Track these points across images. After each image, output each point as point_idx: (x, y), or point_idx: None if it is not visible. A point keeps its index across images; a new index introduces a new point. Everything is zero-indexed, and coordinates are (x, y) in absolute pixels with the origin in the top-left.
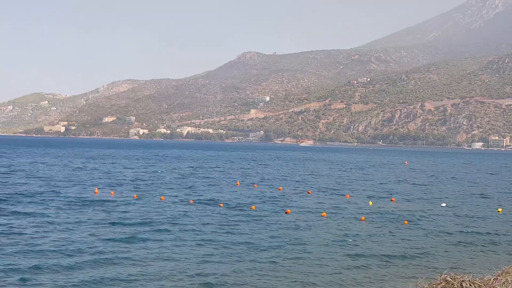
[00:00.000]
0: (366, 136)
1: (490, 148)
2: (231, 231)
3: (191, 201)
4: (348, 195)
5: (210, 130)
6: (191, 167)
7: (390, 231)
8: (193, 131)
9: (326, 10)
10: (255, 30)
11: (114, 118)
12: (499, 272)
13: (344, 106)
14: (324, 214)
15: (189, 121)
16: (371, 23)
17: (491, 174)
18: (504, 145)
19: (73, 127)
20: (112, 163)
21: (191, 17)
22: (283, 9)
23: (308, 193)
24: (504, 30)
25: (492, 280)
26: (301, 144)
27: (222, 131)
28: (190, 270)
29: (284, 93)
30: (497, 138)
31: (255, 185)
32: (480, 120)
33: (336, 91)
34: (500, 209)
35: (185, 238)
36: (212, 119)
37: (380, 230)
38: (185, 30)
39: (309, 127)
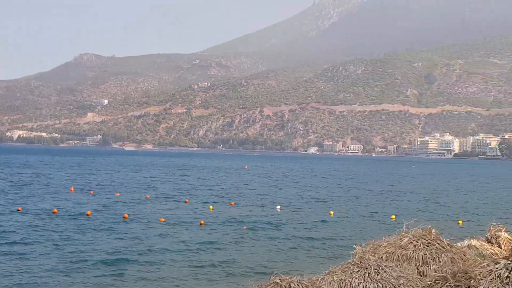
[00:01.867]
0: (207, 141)
1: (324, 153)
2: (64, 242)
3: (20, 209)
4: (187, 200)
5: (44, 134)
6: (22, 173)
7: (227, 236)
8: (24, 135)
9: (166, 13)
10: (93, 31)
11: None
12: (326, 272)
13: (185, 110)
14: (162, 219)
15: (21, 125)
16: (212, 28)
17: (324, 177)
18: (338, 149)
19: None
20: None
21: (23, 14)
22: (122, 10)
23: (146, 197)
24: (338, 39)
25: (319, 279)
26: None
27: (56, 135)
28: None
29: (123, 96)
30: (331, 143)
31: (92, 191)
32: (316, 125)
33: (177, 96)
34: (331, 212)
35: (11, 253)
36: (46, 123)
37: (218, 236)
38: (16, 28)
39: (149, 132)
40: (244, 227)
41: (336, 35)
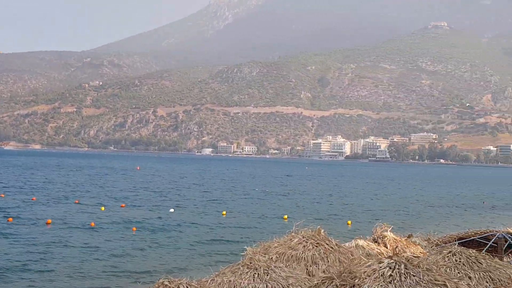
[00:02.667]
0: (98, 141)
1: (219, 154)
2: None
3: None
4: (77, 201)
5: None
6: None
7: (117, 239)
8: None
9: (55, 8)
10: None
11: None
12: (216, 273)
13: (75, 110)
14: (49, 221)
15: None
16: (104, 26)
17: (219, 179)
18: (232, 151)
19: None
20: None
21: None
22: (8, 6)
23: (33, 199)
24: (233, 40)
25: (209, 281)
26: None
27: None
28: None
29: (9, 94)
30: (225, 144)
31: None
32: (210, 126)
33: (67, 94)
34: (224, 213)
35: None
36: None
37: (107, 238)
38: None
39: (37, 131)
40: (134, 229)
41: (231, 36)
